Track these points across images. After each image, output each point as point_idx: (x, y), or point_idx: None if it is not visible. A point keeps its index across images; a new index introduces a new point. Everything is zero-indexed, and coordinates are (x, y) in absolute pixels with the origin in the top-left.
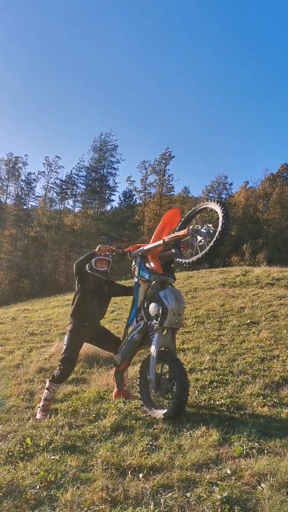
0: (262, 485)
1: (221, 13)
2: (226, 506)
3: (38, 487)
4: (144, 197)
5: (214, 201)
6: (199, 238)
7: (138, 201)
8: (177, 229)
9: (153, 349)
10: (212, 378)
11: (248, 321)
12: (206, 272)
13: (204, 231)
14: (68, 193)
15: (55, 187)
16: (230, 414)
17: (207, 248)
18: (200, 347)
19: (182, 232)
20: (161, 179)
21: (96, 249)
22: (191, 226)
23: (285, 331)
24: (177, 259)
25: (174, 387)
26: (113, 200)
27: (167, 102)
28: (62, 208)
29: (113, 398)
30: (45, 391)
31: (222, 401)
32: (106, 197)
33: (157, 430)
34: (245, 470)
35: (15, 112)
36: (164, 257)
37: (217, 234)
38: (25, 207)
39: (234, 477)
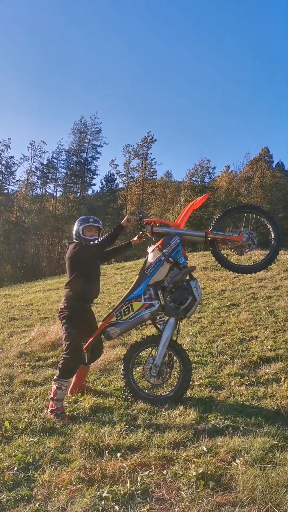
0: (237, 461)
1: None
2: (201, 481)
3: (15, 468)
4: (127, 181)
5: (260, 209)
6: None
7: (120, 185)
8: (214, 222)
9: (165, 335)
10: (192, 359)
11: (228, 303)
12: (188, 255)
13: (255, 240)
14: (49, 177)
15: (36, 171)
16: (208, 393)
17: (263, 261)
18: (180, 329)
19: (235, 238)
20: (143, 163)
21: (125, 220)
22: (245, 234)
23: (264, 312)
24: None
25: (170, 370)
26: (94, 184)
27: (150, 85)
28: (43, 193)
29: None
30: (54, 390)
31: (201, 381)
32: (88, 181)
33: (135, 411)
34: (220, 447)
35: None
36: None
37: (271, 251)
38: (5, 191)
39: (209, 454)
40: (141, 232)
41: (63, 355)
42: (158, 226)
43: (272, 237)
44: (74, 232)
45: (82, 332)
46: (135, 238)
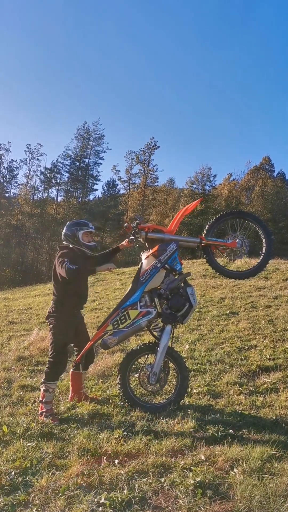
0: (235, 470)
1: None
2: (199, 490)
3: (13, 473)
4: (128, 187)
5: (251, 215)
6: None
7: (122, 191)
8: (205, 228)
9: (163, 342)
10: (191, 367)
11: (228, 311)
12: (188, 262)
13: (246, 246)
14: (53, 182)
15: (40, 175)
16: (206, 402)
17: (256, 266)
18: (179, 336)
19: (229, 244)
20: (145, 169)
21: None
22: (238, 240)
23: (263, 321)
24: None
25: (166, 376)
26: (96, 190)
27: (155, 92)
28: (45, 197)
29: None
30: (42, 393)
31: (199, 389)
32: (89, 186)
33: (134, 417)
34: (218, 456)
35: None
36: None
37: (263, 256)
38: (7, 195)
39: (208, 463)
40: (132, 237)
41: (49, 358)
42: (152, 232)
43: (264, 243)
44: (67, 235)
45: (70, 338)
46: (124, 243)
